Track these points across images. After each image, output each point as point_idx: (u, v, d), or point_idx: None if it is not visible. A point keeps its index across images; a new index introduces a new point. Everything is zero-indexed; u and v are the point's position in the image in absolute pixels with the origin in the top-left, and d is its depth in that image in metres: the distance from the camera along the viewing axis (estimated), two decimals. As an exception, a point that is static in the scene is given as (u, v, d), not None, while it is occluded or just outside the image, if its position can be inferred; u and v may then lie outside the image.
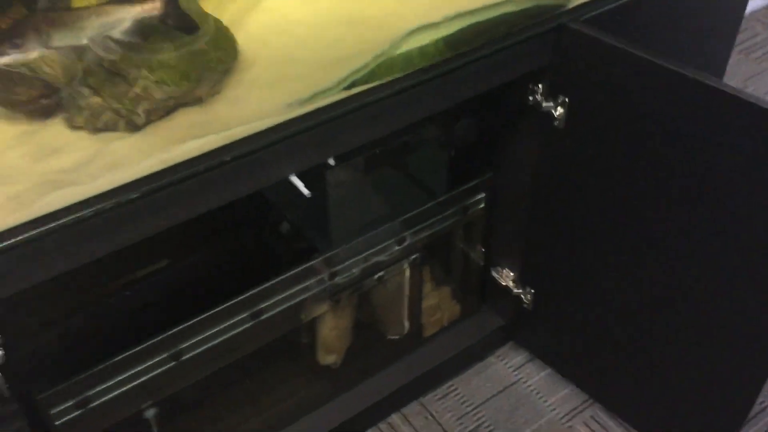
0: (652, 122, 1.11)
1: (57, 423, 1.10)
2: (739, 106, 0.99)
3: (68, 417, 1.11)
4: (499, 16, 1.13)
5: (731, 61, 2.74)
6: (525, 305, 1.55)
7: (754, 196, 1.03)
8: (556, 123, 1.25)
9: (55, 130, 0.87)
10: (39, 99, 0.87)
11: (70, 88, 0.85)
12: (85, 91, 0.85)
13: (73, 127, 0.87)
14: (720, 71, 1.49)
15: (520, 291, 1.55)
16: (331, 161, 1.11)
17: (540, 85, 1.24)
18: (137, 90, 0.85)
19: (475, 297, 1.65)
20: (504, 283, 1.57)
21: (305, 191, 1.01)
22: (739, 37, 2.90)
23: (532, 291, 1.52)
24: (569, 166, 1.29)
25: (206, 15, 0.93)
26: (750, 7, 3.09)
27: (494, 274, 1.59)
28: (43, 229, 0.80)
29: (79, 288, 1.32)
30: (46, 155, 0.85)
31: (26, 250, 0.80)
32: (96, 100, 0.85)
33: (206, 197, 0.92)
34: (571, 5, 1.17)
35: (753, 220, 1.05)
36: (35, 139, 0.86)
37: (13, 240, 0.79)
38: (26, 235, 0.79)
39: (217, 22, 0.94)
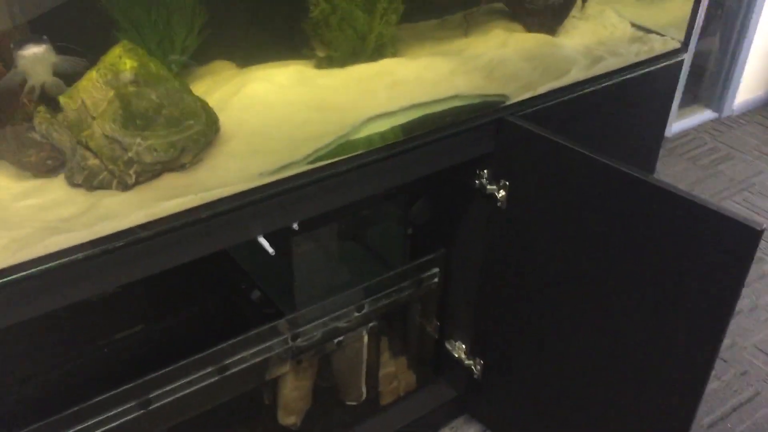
0: (580, 204, 1.28)
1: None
2: (649, 190, 1.16)
3: (41, 459, 1.19)
4: (448, 109, 1.31)
5: (681, 167, 2.98)
6: (475, 376, 1.66)
7: (674, 267, 1.17)
8: (499, 204, 1.41)
9: (57, 186, 1.01)
10: (46, 160, 1.02)
11: (73, 151, 1.00)
12: (86, 153, 1.00)
13: (73, 184, 1.01)
14: (651, 163, 1.67)
15: (471, 362, 1.66)
16: (296, 227, 1.25)
17: (485, 170, 1.41)
18: (130, 154, 1.00)
19: (430, 368, 1.76)
20: (456, 355, 1.69)
21: (270, 250, 1.14)
22: (689, 145, 3.16)
23: (482, 362, 1.64)
24: (512, 244, 1.44)
25: (195, 97, 1.09)
26: (699, 119, 3.37)
27: (447, 346, 1.71)
28: (42, 267, 0.93)
29: (62, 342, 1.42)
30: (48, 207, 0.99)
31: (26, 286, 0.93)
32: (94, 162, 1.00)
33: (183, 250, 1.05)
34: (510, 102, 1.36)
35: (678, 286, 1.19)
36: (40, 193, 1.00)
37: (15, 276, 0.91)
38: (27, 272, 0.92)
39: (203, 102, 1.10)
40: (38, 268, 0.93)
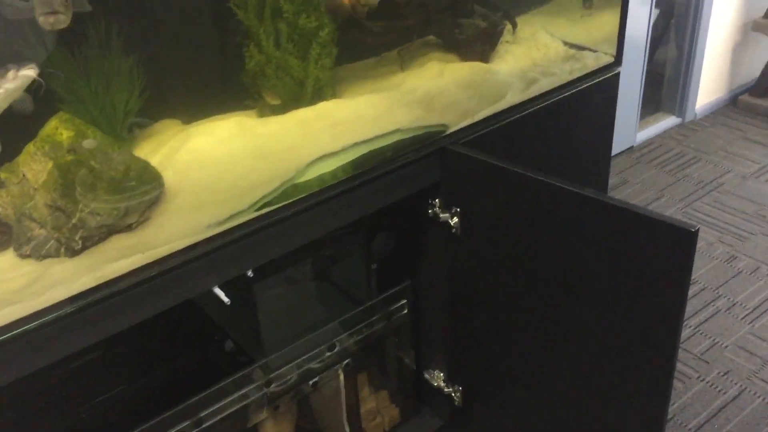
0: (528, 223, 1.30)
1: None
2: (590, 204, 1.19)
3: None
4: (391, 143, 1.34)
5: (648, 174, 3.03)
6: (456, 403, 1.67)
7: (624, 275, 1.19)
8: (453, 230, 1.44)
9: (6, 259, 1.04)
10: (-7, 235, 1.04)
11: (19, 223, 1.03)
12: (31, 225, 1.02)
13: (22, 255, 1.04)
14: (603, 175, 1.70)
15: (451, 390, 1.67)
16: (252, 274, 1.27)
17: (436, 199, 1.44)
18: (74, 221, 1.03)
19: (412, 399, 1.77)
20: (436, 384, 1.70)
21: (226, 300, 1.17)
22: (655, 153, 3.21)
23: (461, 388, 1.65)
24: (472, 268, 1.47)
25: (134, 158, 1.12)
26: (663, 126, 3.42)
27: (426, 375, 1.72)
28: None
29: (42, 409, 1.43)
30: (-2, 280, 1.01)
31: (-22, 360, 0.95)
32: (40, 231, 1.02)
33: (137, 309, 1.07)
34: (451, 130, 1.39)
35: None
36: (-12, 268, 1.02)
37: (-34, 351, 0.93)
38: (-22, 346, 0.94)
39: (145, 163, 1.13)
40: (-9, 341, 0.95)
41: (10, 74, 0.93)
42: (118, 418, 1.51)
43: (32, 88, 0.98)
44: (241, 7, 1.26)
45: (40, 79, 0.97)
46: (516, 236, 1.34)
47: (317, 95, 1.36)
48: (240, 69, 1.33)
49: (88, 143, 1.06)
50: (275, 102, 1.27)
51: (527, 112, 1.45)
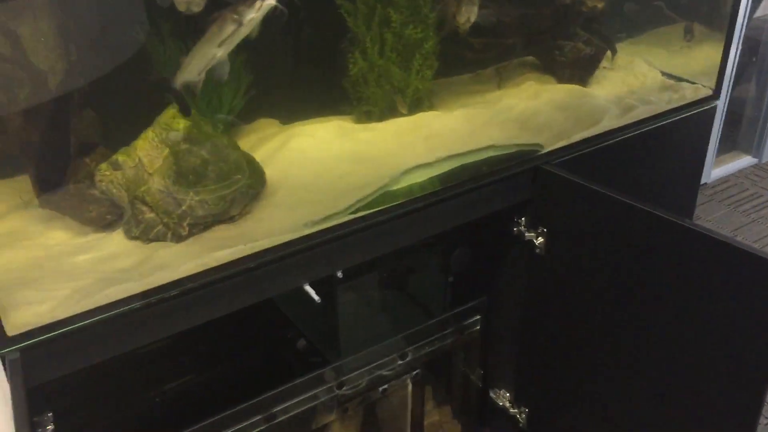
0: (618, 249, 1.29)
1: None
2: (688, 235, 1.17)
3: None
4: (484, 159, 1.35)
5: (721, 213, 2.97)
6: (521, 425, 1.65)
7: (718, 311, 1.17)
8: (537, 251, 1.44)
9: (115, 240, 1.08)
10: (105, 215, 1.08)
11: (132, 206, 1.07)
12: (143, 208, 1.06)
13: (131, 237, 1.08)
14: (689, 209, 1.68)
15: (516, 411, 1.66)
16: (341, 276, 1.29)
17: (522, 218, 1.44)
18: (184, 208, 1.06)
19: (475, 417, 1.76)
20: (501, 404, 1.69)
21: (316, 298, 1.19)
22: (729, 192, 3.14)
23: (527, 410, 1.64)
24: (552, 290, 1.46)
25: (242, 152, 1.16)
26: (739, 165, 3.35)
27: (492, 394, 1.71)
28: (102, 316, 0.98)
29: (120, 389, 1.47)
30: (107, 259, 1.05)
31: (86, 335, 0.98)
32: (150, 215, 1.06)
33: (234, 298, 1.10)
34: (545, 150, 1.39)
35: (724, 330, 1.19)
36: (98, 246, 1.06)
37: (77, 324, 0.97)
38: (87, 321, 0.98)
39: (250, 157, 1.16)
40: (99, 317, 0.98)
41: (257, 4, 1.01)
42: (189, 406, 1.54)
43: (273, 15, 1.04)
44: (351, 14, 1.29)
45: (282, 7, 1.03)
46: (602, 260, 1.33)
47: (414, 105, 1.39)
48: (342, 75, 1.36)
49: (174, 135, 1.10)
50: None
51: (622, 137, 1.45)
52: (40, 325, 0.96)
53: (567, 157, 1.41)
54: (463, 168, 1.33)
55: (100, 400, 1.48)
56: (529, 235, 1.44)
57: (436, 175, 1.31)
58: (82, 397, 1.45)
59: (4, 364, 0.94)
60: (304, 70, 1.41)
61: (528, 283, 1.51)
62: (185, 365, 1.61)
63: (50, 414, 1.03)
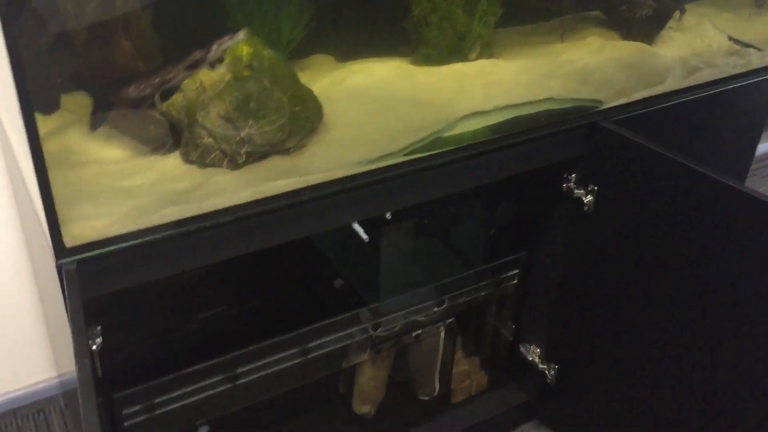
0: (671, 213, 1.27)
1: (126, 424, 1.25)
2: (742, 199, 1.15)
3: (136, 420, 1.26)
4: (541, 111, 1.33)
5: (764, 188, 2.90)
6: (549, 381, 1.66)
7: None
8: (585, 209, 1.42)
9: (172, 162, 1.08)
10: (164, 137, 1.08)
11: (190, 129, 1.07)
12: (201, 132, 1.06)
13: (188, 161, 1.08)
14: (743, 173, 1.65)
15: (545, 367, 1.67)
16: (389, 218, 1.29)
17: (573, 174, 1.42)
18: (242, 135, 1.06)
19: (502, 370, 1.77)
20: (530, 359, 1.70)
21: (365, 236, 1.19)
22: (772, 168, 3.07)
23: (556, 367, 1.64)
24: (596, 249, 1.45)
25: (302, 85, 1.15)
26: (785, 142, 3.27)
27: (521, 349, 1.72)
28: (158, 236, 0.99)
29: (161, 313, 1.50)
30: (164, 180, 1.05)
31: (141, 253, 0.99)
32: (208, 140, 1.06)
33: (284, 229, 1.11)
34: (604, 107, 1.37)
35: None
36: (156, 167, 1.07)
37: (133, 241, 0.98)
38: (143, 239, 0.99)
39: (309, 91, 1.15)
40: (154, 236, 0.99)
41: None
42: (225, 335, 1.56)
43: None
44: (418, -48, 1.26)
45: None
46: (653, 224, 1.32)
47: (476, 52, 1.36)
48: (403, 15, 1.34)
49: (237, 61, 1.08)
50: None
51: (683, 99, 1.41)
52: (97, 239, 0.97)
53: (625, 116, 1.38)
54: (518, 119, 1.32)
55: (137, 321, 1.51)
56: (578, 192, 1.42)
57: (491, 125, 1.29)
58: (121, 317, 1.47)
59: (60, 275, 0.96)
60: (365, 7, 1.39)
61: (571, 241, 1.50)
62: (223, 295, 1.63)
63: (99, 327, 1.05)
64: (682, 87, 1.42)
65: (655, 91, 1.39)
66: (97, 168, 1.06)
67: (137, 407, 1.25)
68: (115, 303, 1.43)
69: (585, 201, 1.42)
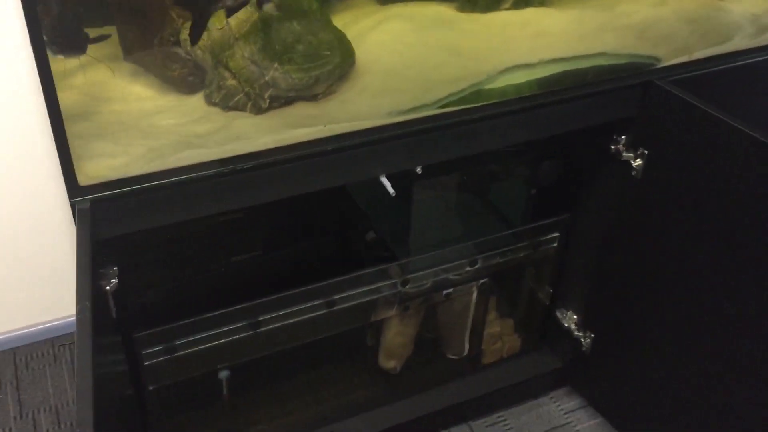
0: (726, 182, 1.18)
1: (146, 363, 1.25)
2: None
3: (156, 360, 1.26)
4: (592, 66, 1.24)
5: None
6: (584, 349, 1.61)
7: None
8: (633, 173, 1.34)
9: (195, 103, 1.04)
10: (188, 76, 1.04)
11: (214, 70, 1.02)
12: (225, 73, 1.02)
13: (210, 103, 1.04)
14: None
15: (581, 335, 1.61)
16: (420, 172, 1.23)
17: (623, 136, 1.33)
18: (266, 78, 1.01)
19: (536, 334, 1.72)
20: (566, 325, 1.64)
21: (391, 191, 1.14)
22: None
23: (592, 335, 1.58)
24: (643, 216, 1.36)
25: (334, 28, 1.09)
26: None
27: (558, 314, 1.66)
28: (174, 179, 0.96)
29: (190, 256, 1.49)
30: (184, 122, 1.02)
31: (156, 195, 0.97)
32: (232, 82, 1.02)
33: (307, 180, 1.06)
34: (661, 65, 1.27)
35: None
36: (179, 108, 1.03)
37: (148, 183, 0.95)
38: (159, 181, 0.96)
39: (341, 35, 1.09)
40: (170, 179, 0.96)
41: None
42: (253, 282, 1.55)
43: None
44: None
45: None
46: (707, 192, 1.22)
47: (524, 0, 1.27)
48: (450, -44, 1.25)
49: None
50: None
51: (753, 60, 1.30)
52: (112, 178, 0.94)
53: (684, 75, 1.28)
54: (566, 74, 1.23)
55: (168, 263, 1.51)
56: (627, 155, 1.34)
57: (537, 79, 1.21)
58: (150, 258, 1.47)
59: (74, 214, 0.94)
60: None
61: (617, 206, 1.42)
62: (254, 241, 1.61)
63: (115, 268, 1.04)
64: (751, 46, 1.30)
65: (721, 50, 1.28)
66: (118, 105, 1.02)
67: (158, 348, 1.25)
68: (148, 243, 1.43)
69: (634, 165, 1.33)
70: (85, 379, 0.72)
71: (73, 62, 0.98)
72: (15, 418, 1.65)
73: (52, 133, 0.87)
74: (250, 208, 1.38)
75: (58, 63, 0.93)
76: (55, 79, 0.88)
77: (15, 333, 1.81)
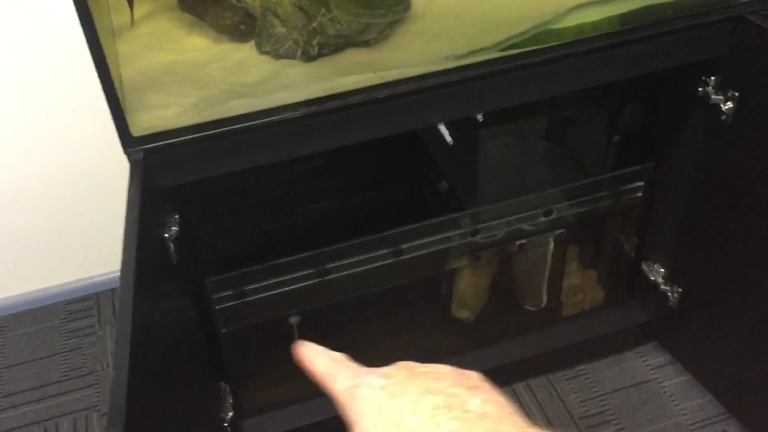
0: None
1: (217, 308, 1.30)
2: None
3: (226, 304, 1.30)
4: (674, 0, 1.13)
5: None
6: (671, 303, 1.52)
7: None
8: (723, 117, 1.23)
9: (246, 52, 1.04)
10: (239, 25, 1.04)
11: (263, 17, 1.01)
12: (274, 21, 1.00)
13: (261, 51, 1.03)
14: None
15: (668, 289, 1.52)
16: (480, 119, 1.19)
17: (711, 77, 1.23)
18: (314, 24, 0.99)
19: (621, 287, 1.65)
20: (653, 278, 1.56)
21: (449, 139, 1.10)
22: None
23: (680, 290, 1.50)
24: (733, 163, 1.26)
25: (388, -31, 1.05)
26: None
27: (644, 267, 1.58)
28: (222, 129, 0.97)
29: (261, 202, 1.52)
30: (235, 71, 1.02)
31: (207, 146, 0.98)
32: (281, 30, 1.01)
33: (359, 129, 1.04)
34: (755, -3, 1.15)
35: None
36: (230, 57, 1.04)
37: (198, 134, 0.97)
38: (208, 132, 0.97)
39: (396, -24, 1.05)
40: (219, 129, 0.97)
41: None
42: (324, 229, 1.56)
43: None
44: None
45: None
46: (800, 140, 1.11)
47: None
48: None
49: None
50: None
51: None
52: (164, 129, 0.96)
53: (783, 8, 1.15)
54: (646, 9, 1.13)
55: (242, 212, 1.54)
56: (716, 98, 1.23)
57: (611, 16, 1.12)
58: (226, 208, 1.51)
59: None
60: None
61: (705, 152, 1.31)
62: (328, 189, 1.62)
63: (176, 216, 1.07)
64: None
65: (826, -23, 1.14)
66: (173, 56, 1.04)
67: (228, 292, 1.29)
68: (224, 190, 1.46)
69: (724, 108, 1.22)
70: (124, 323, 0.74)
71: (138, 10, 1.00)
72: (113, 354, 1.77)
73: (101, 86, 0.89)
74: (328, 158, 1.38)
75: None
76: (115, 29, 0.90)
77: (115, 274, 1.91)
